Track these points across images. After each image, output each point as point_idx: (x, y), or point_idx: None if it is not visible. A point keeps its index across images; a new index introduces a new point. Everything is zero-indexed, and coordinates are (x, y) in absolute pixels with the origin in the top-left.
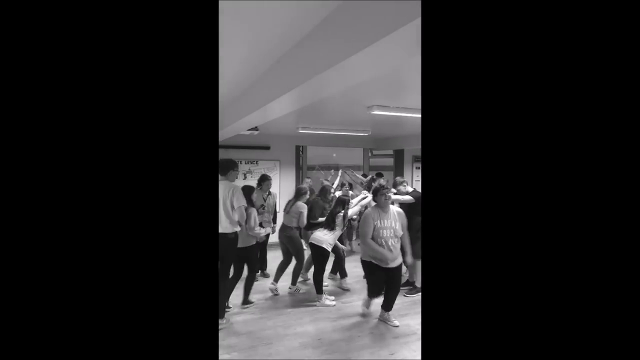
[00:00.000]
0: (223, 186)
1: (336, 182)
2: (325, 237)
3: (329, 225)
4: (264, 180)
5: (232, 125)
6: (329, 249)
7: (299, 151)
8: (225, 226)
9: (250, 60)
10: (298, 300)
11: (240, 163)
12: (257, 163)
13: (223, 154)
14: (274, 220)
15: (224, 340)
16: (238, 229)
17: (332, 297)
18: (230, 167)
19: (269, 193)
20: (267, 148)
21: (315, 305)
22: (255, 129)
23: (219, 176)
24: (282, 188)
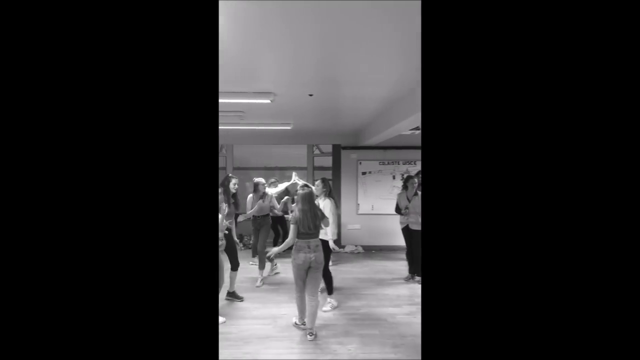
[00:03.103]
0: None
1: None
2: None
3: None
4: (408, 179)
5: (394, 126)
6: None
7: None
8: None
9: (410, 63)
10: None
11: (398, 164)
12: (414, 163)
13: (381, 155)
14: None
15: (336, 337)
16: None
17: None
18: None
19: (416, 193)
20: None
21: None
22: (417, 128)
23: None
24: None
